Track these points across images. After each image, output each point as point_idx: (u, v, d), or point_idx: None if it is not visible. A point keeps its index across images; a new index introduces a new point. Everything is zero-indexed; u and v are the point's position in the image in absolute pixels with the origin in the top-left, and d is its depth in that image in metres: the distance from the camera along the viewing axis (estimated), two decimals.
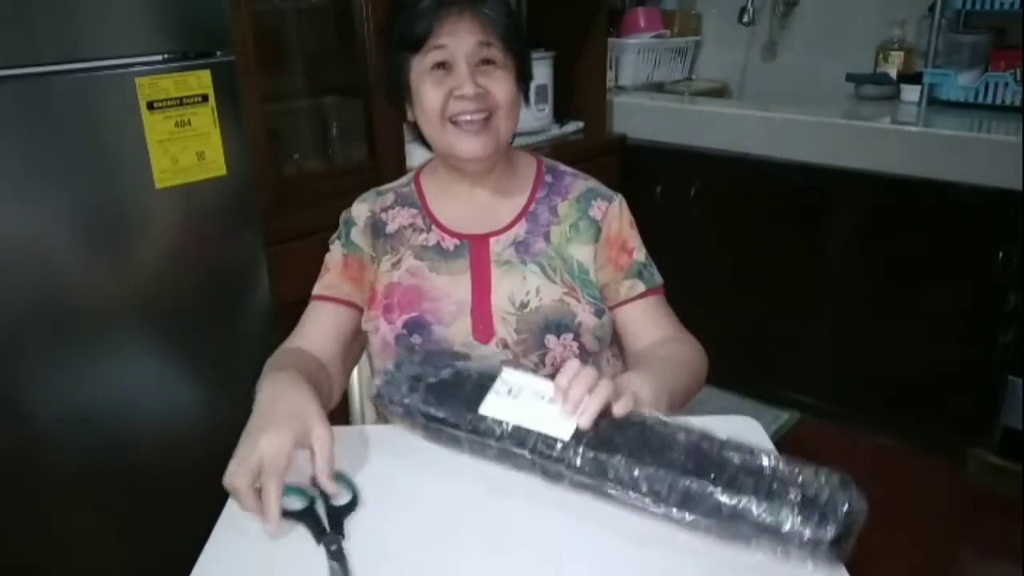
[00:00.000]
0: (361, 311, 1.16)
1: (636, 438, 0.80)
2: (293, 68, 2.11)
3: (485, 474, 0.89)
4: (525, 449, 0.83)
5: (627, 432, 0.81)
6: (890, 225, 2.29)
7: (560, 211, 1.18)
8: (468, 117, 1.07)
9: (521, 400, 0.87)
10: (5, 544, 1.35)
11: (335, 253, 1.19)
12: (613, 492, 0.80)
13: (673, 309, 1.21)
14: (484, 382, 0.89)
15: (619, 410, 0.83)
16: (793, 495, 0.72)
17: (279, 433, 0.83)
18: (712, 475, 0.75)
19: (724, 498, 0.74)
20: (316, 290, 1.18)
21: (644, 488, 0.77)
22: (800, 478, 0.74)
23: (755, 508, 0.73)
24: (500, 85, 1.08)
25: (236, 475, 0.81)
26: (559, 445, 0.82)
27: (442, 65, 1.07)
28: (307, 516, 0.82)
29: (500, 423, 0.85)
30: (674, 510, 0.77)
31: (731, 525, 0.74)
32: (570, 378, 0.85)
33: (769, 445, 0.95)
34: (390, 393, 0.93)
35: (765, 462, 0.76)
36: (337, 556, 0.77)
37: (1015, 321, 2.12)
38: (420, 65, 1.08)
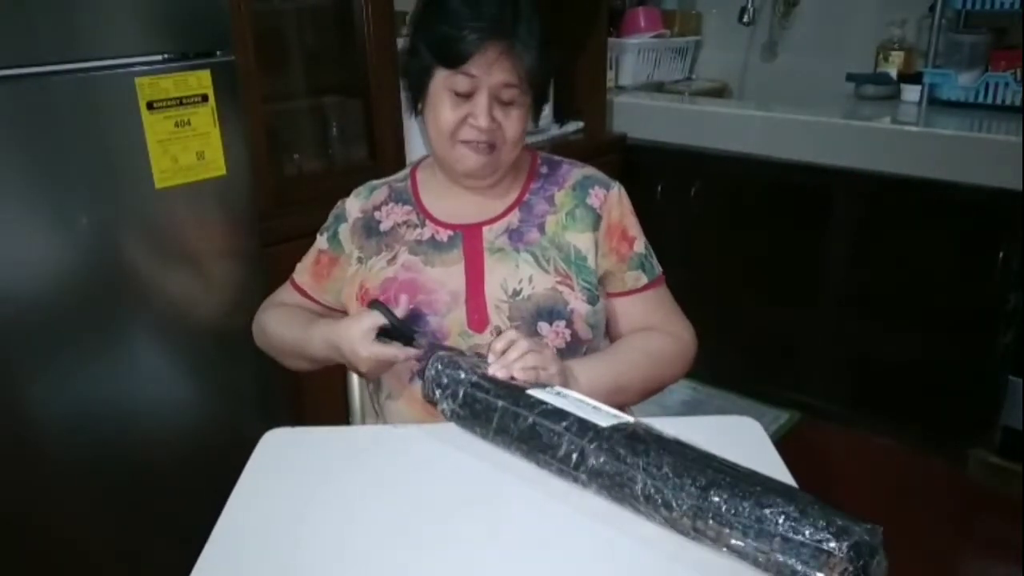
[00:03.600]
0: (311, 299, 1.26)
1: (668, 447, 0.81)
2: (293, 68, 2.11)
3: (488, 477, 0.90)
4: (560, 425, 0.85)
5: (661, 443, 0.82)
6: (890, 225, 2.29)
7: (557, 200, 1.19)
8: (475, 142, 1.10)
9: (566, 400, 0.91)
10: (5, 542, 1.36)
11: (317, 244, 1.26)
12: (630, 490, 0.79)
13: None
14: (535, 386, 0.95)
15: (523, 363, 0.96)
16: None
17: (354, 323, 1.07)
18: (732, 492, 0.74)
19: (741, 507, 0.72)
20: (295, 272, 1.28)
21: (665, 490, 0.77)
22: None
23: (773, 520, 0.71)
24: (513, 124, 1.11)
25: (363, 363, 1.05)
26: (591, 433, 0.84)
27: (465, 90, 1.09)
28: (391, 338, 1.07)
29: (543, 402, 0.89)
30: (685, 520, 0.76)
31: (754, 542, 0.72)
32: (506, 343, 0.98)
33: (769, 446, 0.95)
34: (444, 367, 0.97)
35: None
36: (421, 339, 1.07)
37: (1015, 321, 2.12)
38: (445, 80, 1.09)
